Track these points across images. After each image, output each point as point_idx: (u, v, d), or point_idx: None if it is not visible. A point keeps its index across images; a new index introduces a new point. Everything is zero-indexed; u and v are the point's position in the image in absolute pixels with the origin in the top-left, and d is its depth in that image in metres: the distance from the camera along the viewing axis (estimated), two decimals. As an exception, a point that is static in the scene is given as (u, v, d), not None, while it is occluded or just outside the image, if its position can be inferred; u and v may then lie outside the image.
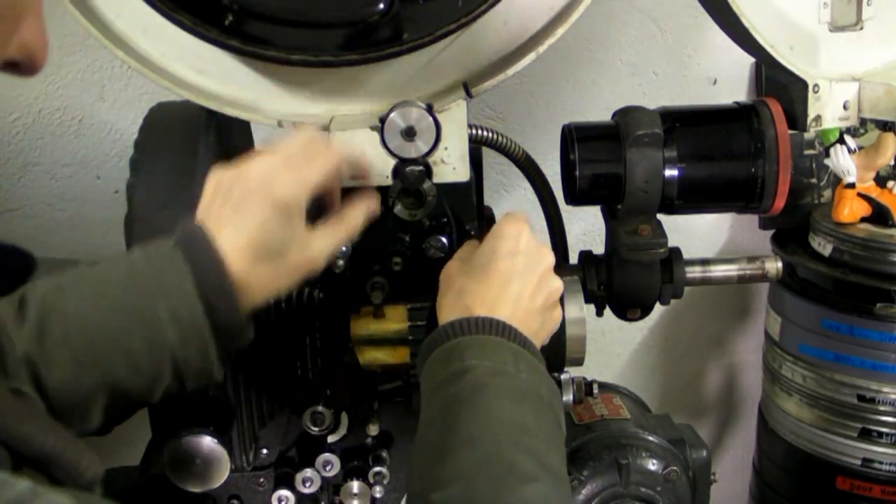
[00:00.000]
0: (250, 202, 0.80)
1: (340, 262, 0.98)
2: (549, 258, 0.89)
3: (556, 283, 0.89)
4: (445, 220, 1.00)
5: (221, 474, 0.96)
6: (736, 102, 1.09)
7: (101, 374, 0.76)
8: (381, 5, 0.86)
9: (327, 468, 1.06)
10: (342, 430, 1.05)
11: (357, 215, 0.89)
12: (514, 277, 0.85)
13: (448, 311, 0.84)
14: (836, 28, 1.11)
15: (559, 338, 0.99)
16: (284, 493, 1.06)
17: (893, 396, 1.47)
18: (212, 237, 0.78)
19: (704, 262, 1.11)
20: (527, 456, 0.71)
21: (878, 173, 1.53)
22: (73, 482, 0.57)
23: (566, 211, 1.16)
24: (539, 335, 0.87)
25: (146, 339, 0.75)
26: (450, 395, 0.75)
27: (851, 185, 1.49)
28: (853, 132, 1.63)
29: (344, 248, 0.97)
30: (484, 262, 0.86)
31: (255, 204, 0.80)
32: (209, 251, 0.77)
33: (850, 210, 1.50)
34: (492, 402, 0.74)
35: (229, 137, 1.07)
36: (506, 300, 0.83)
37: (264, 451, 1.05)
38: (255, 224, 0.79)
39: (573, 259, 1.15)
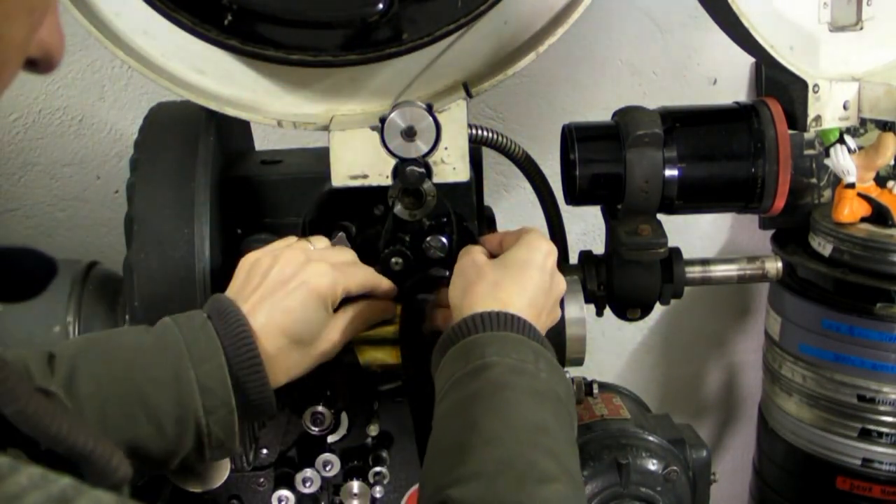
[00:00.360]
0: (291, 287, 0.83)
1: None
2: (564, 287, 0.91)
3: (558, 312, 0.91)
4: (445, 220, 1.00)
5: (221, 474, 0.96)
6: (736, 102, 1.09)
7: (126, 432, 0.76)
8: (381, 5, 0.86)
9: (327, 468, 1.06)
10: (342, 430, 1.05)
11: (375, 307, 0.92)
12: (543, 291, 0.86)
13: (480, 301, 0.83)
14: (836, 28, 1.11)
15: (559, 338, 0.99)
16: (284, 493, 1.06)
17: (893, 396, 1.47)
18: (243, 314, 0.80)
19: (704, 262, 1.10)
20: (547, 456, 0.71)
21: (878, 173, 1.53)
22: (104, 481, 0.57)
23: (566, 211, 1.16)
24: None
25: (173, 404, 0.76)
26: (471, 392, 0.75)
27: (851, 185, 1.49)
28: (853, 132, 1.63)
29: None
30: (520, 264, 0.86)
31: (296, 288, 0.83)
32: (240, 326, 0.79)
33: (850, 210, 1.50)
34: (513, 401, 0.74)
35: (229, 137, 1.07)
36: (533, 309, 0.84)
37: (264, 451, 1.05)
38: (293, 309, 0.83)
39: (573, 259, 1.15)
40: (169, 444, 0.77)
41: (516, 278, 0.85)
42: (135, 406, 0.76)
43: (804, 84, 1.06)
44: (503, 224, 1.18)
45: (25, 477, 0.39)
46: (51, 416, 0.54)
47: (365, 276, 0.91)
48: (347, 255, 0.93)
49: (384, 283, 0.93)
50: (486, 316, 0.80)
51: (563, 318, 0.99)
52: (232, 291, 0.85)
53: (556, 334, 0.99)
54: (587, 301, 1.05)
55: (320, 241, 0.94)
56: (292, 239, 0.92)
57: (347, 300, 0.89)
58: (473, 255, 0.89)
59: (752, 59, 1.67)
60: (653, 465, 1.11)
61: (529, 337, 0.80)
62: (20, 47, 0.46)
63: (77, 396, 0.75)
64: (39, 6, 0.47)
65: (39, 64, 0.51)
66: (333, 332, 0.87)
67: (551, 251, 0.89)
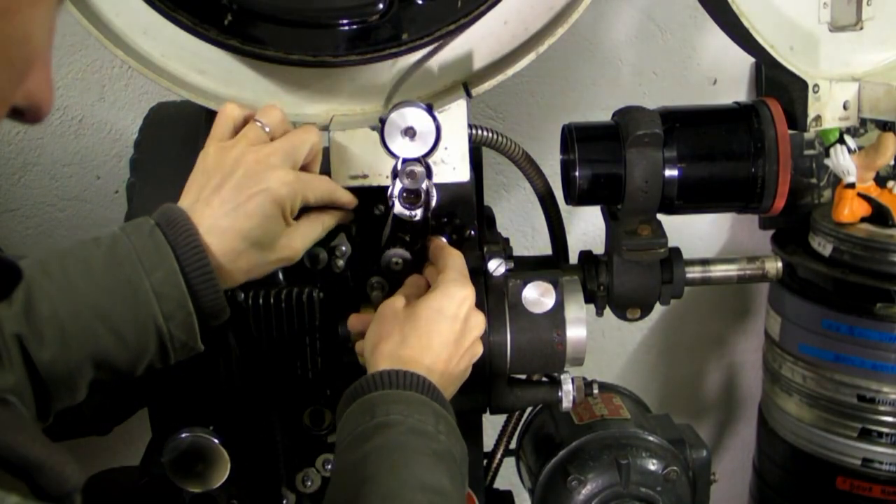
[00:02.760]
0: (252, 190, 0.84)
1: (340, 263, 0.98)
2: (482, 325, 0.92)
3: (479, 349, 0.93)
4: (445, 220, 1.00)
5: (221, 474, 0.96)
6: (736, 102, 1.09)
7: (89, 349, 0.79)
8: (381, 5, 0.86)
9: (327, 468, 1.06)
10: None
11: (332, 214, 0.94)
12: (449, 343, 0.88)
13: (386, 358, 0.86)
14: (836, 28, 1.11)
15: (559, 338, 0.99)
16: (284, 493, 1.06)
17: (893, 396, 1.47)
18: (191, 220, 0.82)
19: (704, 262, 1.10)
20: None
21: (878, 173, 1.53)
22: (57, 489, 0.58)
23: (566, 211, 1.16)
24: (451, 393, 0.90)
25: (132, 314, 0.79)
26: (371, 448, 0.77)
27: (851, 185, 1.49)
28: (853, 132, 1.63)
29: (344, 248, 0.97)
30: (429, 318, 0.88)
31: (257, 194, 0.84)
32: (190, 235, 0.82)
33: (850, 210, 1.50)
34: (412, 462, 0.76)
35: (229, 137, 1.06)
36: (438, 363, 0.86)
37: (264, 451, 1.05)
38: (252, 214, 0.84)
39: (573, 259, 1.15)
40: (132, 353, 0.81)
41: (421, 335, 0.87)
42: (94, 321, 0.79)
43: (804, 84, 1.06)
44: (503, 224, 1.18)
45: None
46: (5, 428, 0.54)
47: (325, 187, 0.92)
48: (310, 136, 0.90)
49: (344, 196, 0.94)
50: (392, 374, 0.83)
51: (563, 318, 0.99)
52: (191, 192, 0.86)
53: (556, 334, 0.99)
54: (587, 301, 1.05)
55: (270, 115, 0.90)
56: (235, 112, 0.90)
57: (307, 208, 0.91)
58: (393, 303, 0.91)
59: (752, 59, 1.67)
60: (653, 465, 1.11)
61: (432, 398, 0.83)
62: (4, 98, 0.47)
63: (36, 319, 0.77)
64: (19, 59, 0.47)
65: (25, 114, 0.52)
66: (293, 239, 0.89)
67: (465, 297, 0.90)
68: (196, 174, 0.88)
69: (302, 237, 0.90)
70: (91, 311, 0.79)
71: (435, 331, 0.87)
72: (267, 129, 0.89)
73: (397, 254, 0.98)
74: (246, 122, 0.90)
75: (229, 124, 0.90)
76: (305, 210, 0.91)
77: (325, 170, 0.96)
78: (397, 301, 0.91)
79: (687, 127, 1.05)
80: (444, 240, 0.99)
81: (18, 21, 0.46)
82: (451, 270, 0.92)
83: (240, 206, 0.84)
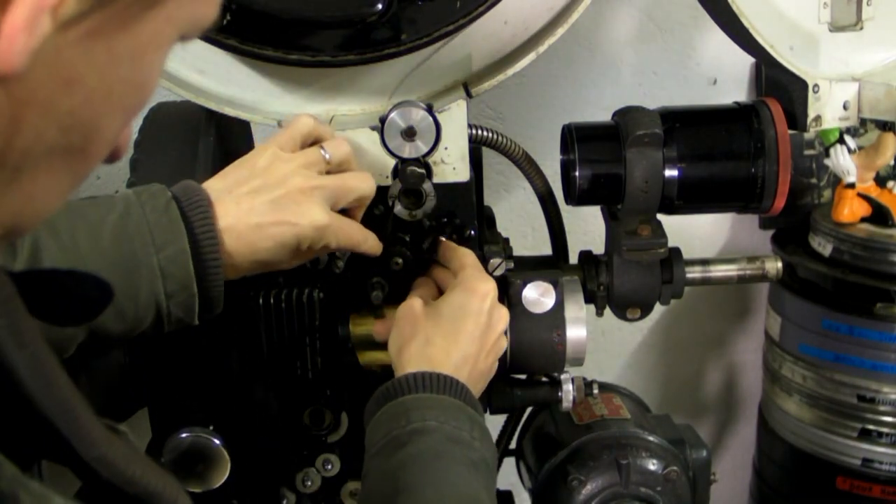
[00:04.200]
0: (281, 215, 0.83)
1: (340, 263, 0.98)
2: (506, 318, 0.92)
3: (504, 343, 0.93)
4: (445, 220, 1.00)
5: (221, 474, 0.96)
6: (736, 102, 1.09)
7: None
8: (380, 6, 0.86)
9: (327, 468, 1.06)
10: (342, 430, 1.05)
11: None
12: (476, 338, 0.88)
13: (414, 360, 0.86)
14: (836, 28, 1.11)
15: (559, 338, 0.99)
16: (284, 492, 1.06)
17: (893, 396, 1.47)
18: (212, 204, 0.81)
19: (704, 262, 1.10)
20: None
21: (878, 173, 1.53)
22: None
23: (566, 211, 1.16)
24: (482, 389, 0.90)
25: (134, 289, 0.78)
26: (407, 456, 0.77)
27: (851, 185, 1.49)
28: (853, 132, 1.63)
29: (344, 248, 0.97)
30: (453, 315, 0.88)
31: (284, 222, 0.83)
32: (206, 217, 0.80)
33: (850, 210, 1.50)
34: (450, 470, 0.76)
35: (229, 137, 1.07)
36: (466, 361, 0.86)
37: (265, 450, 1.05)
38: (273, 239, 0.83)
39: (573, 259, 1.15)
40: (128, 325, 0.79)
41: (447, 333, 0.87)
42: None
43: (804, 84, 1.06)
44: (503, 224, 1.18)
45: None
46: (126, 460, 0.54)
47: (352, 237, 0.89)
48: (364, 183, 0.88)
49: (370, 246, 0.92)
50: (424, 377, 0.82)
51: (563, 318, 0.99)
52: (229, 177, 0.85)
53: (556, 334, 0.99)
54: (587, 301, 1.05)
55: (338, 147, 0.89)
56: (308, 125, 0.89)
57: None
58: (412, 304, 0.90)
59: (752, 59, 1.67)
60: (653, 465, 1.11)
61: (465, 402, 0.82)
62: (110, 142, 0.47)
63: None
64: (136, 104, 0.47)
65: (109, 156, 0.51)
66: (294, 261, 0.88)
67: (488, 292, 0.90)
68: (240, 166, 0.86)
69: (298, 260, 0.89)
70: None
71: (461, 328, 0.87)
72: (327, 157, 0.88)
73: (397, 254, 0.98)
74: (315, 141, 0.89)
75: (297, 136, 0.88)
76: None
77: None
78: (415, 302, 0.90)
79: (687, 127, 1.05)
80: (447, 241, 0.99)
81: (145, 65, 0.45)
82: (469, 267, 0.92)
83: (265, 226, 0.82)
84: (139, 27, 0.43)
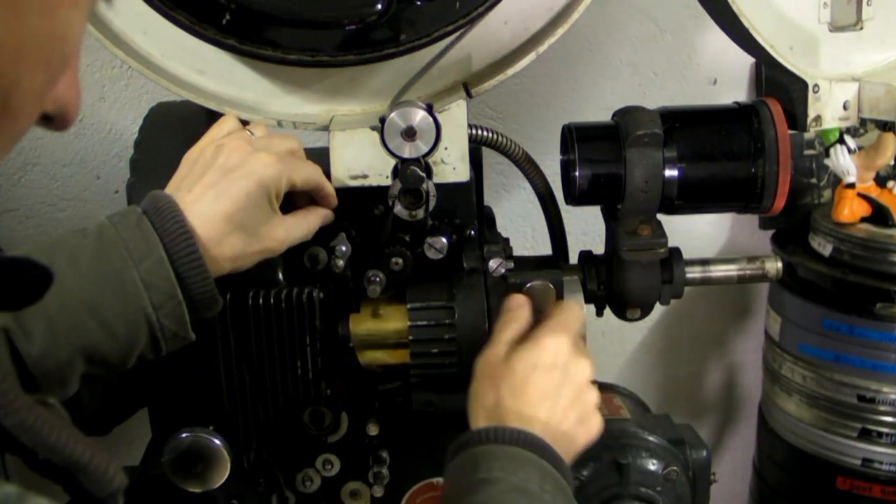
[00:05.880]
0: (236, 174, 0.84)
1: (340, 263, 0.98)
2: (587, 371, 0.90)
3: (592, 397, 0.90)
4: (446, 220, 1.00)
5: (221, 474, 0.96)
6: (736, 102, 1.09)
7: (78, 342, 0.78)
8: (379, 6, 0.86)
9: (327, 468, 1.06)
10: (342, 430, 1.05)
11: (318, 214, 0.93)
12: (548, 395, 0.86)
13: (484, 413, 0.86)
14: (836, 28, 1.11)
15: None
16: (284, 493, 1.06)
17: (893, 396, 1.47)
18: (179, 208, 0.82)
19: (704, 262, 1.10)
20: None
21: (878, 173, 1.53)
22: (101, 490, 0.57)
23: (566, 211, 1.16)
24: (570, 450, 0.87)
25: (121, 306, 0.78)
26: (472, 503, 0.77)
27: (851, 185, 1.49)
28: (853, 132, 1.63)
29: (344, 248, 0.97)
30: (524, 373, 0.87)
31: (241, 177, 0.84)
32: (177, 222, 0.81)
33: (850, 210, 1.50)
34: None
35: (229, 137, 1.06)
36: (539, 418, 0.85)
37: (264, 451, 1.05)
38: (237, 196, 0.84)
39: (573, 259, 1.15)
40: (122, 345, 0.79)
41: (517, 394, 0.86)
42: (82, 314, 0.78)
43: (804, 84, 1.06)
44: (503, 224, 1.18)
45: None
46: (49, 427, 0.54)
47: (310, 171, 0.91)
48: (292, 143, 0.93)
49: (328, 185, 0.94)
50: (493, 430, 0.82)
51: None
52: (174, 183, 0.87)
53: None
54: (587, 301, 1.05)
55: (259, 129, 0.95)
56: (230, 122, 0.93)
57: (293, 202, 0.91)
58: (494, 352, 0.89)
59: (752, 59, 1.67)
60: (653, 465, 1.11)
61: (539, 455, 0.81)
62: (35, 99, 0.46)
63: (23, 314, 0.76)
64: (56, 59, 0.46)
65: (54, 120, 0.51)
66: (277, 229, 0.88)
67: (561, 344, 0.88)
68: (180, 168, 0.89)
69: (286, 229, 0.89)
70: (79, 304, 0.78)
71: (530, 387, 0.86)
72: (254, 136, 0.91)
73: (397, 254, 0.98)
74: None
75: (223, 131, 0.92)
76: (292, 207, 0.91)
77: (326, 170, 0.96)
78: (496, 350, 0.90)
79: (687, 127, 1.05)
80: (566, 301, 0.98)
81: (59, 19, 0.44)
82: (551, 320, 0.92)
83: (223, 190, 0.84)
84: None
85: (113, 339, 0.79)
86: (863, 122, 1.14)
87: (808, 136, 1.72)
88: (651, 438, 1.13)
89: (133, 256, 0.78)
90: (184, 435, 0.95)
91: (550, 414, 0.85)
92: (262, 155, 0.86)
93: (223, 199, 0.83)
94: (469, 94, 0.96)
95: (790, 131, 1.05)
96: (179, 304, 0.80)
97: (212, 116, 1.00)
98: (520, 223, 1.73)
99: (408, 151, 0.92)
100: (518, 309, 0.94)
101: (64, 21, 0.45)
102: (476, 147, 1.06)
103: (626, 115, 1.04)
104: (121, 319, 0.78)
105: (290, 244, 0.90)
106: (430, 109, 0.91)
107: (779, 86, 1.09)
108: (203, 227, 0.82)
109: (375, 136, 0.92)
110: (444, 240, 0.98)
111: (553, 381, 0.87)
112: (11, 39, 0.42)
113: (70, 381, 0.79)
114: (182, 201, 0.83)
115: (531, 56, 0.96)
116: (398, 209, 0.95)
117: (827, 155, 1.54)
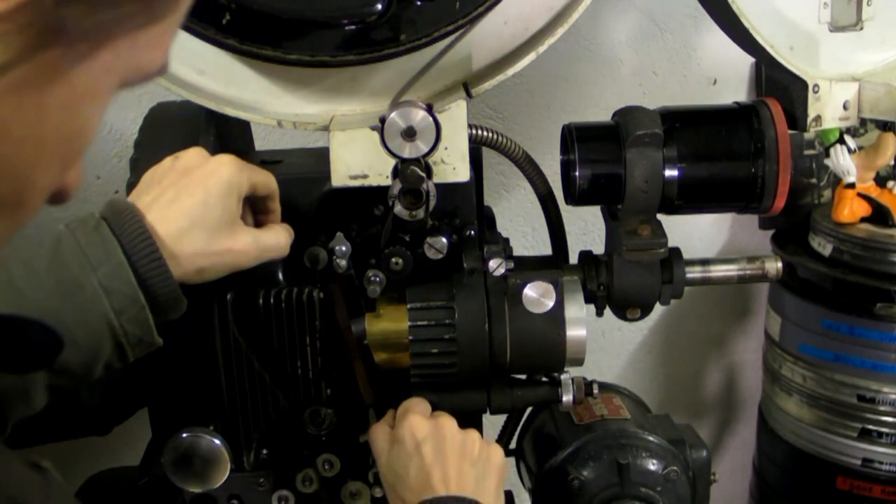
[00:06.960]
0: (195, 173, 0.85)
1: (342, 263, 0.98)
2: (450, 427, 0.93)
3: (471, 439, 0.94)
4: (446, 220, 1.00)
5: (221, 474, 0.96)
6: (736, 102, 1.09)
7: None
8: (379, 6, 0.86)
9: (327, 468, 1.06)
10: (342, 431, 1.05)
11: (288, 230, 0.93)
12: (433, 467, 0.90)
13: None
14: (836, 28, 1.10)
15: (559, 338, 0.99)
16: (284, 493, 1.06)
17: (893, 396, 1.47)
18: (139, 211, 0.81)
19: (704, 262, 1.10)
20: None
21: (878, 173, 1.53)
22: None
23: (566, 211, 1.16)
24: (483, 485, 0.91)
25: (81, 313, 0.76)
26: None
27: (851, 185, 1.49)
28: (853, 132, 1.63)
29: (343, 248, 0.97)
30: (403, 466, 0.92)
31: (200, 175, 0.85)
32: (137, 223, 0.79)
33: (850, 210, 1.50)
34: None
35: (229, 137, 1.06)
36: (438, 486, 0.89)
37: (264, 451, 1.05)
38: (196, 190, 0.84)
39: (573, 259, 1.15)
40: (85, 354, 0.77)
41: (401, 480, 0.92)
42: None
43: (804, 84, 1.06)
44: (503, 224, 1.18)
45: None
46: (44, 498, 0.53)
47: (269, 177, 0.92)
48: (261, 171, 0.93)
49: (278, 198, 0.94)
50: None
51: (563, 318, 0.99)
52: (133, 195, 0.86)
53: (556, 334, 0.99)
54: (587, 301, 1.05)
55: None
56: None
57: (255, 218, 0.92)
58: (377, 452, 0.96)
59: (752, 59, 1.67)
60: (653, 465, 1.11)
61: None
62: (44, 192, 0.47)
63: None
64: (71, 154, 0.46)
65: (53, 198, 0.50)
66: (243, 235, 0.87)
67: (410, 425, 0.93)
68: (139, 183, 0.88)
69: (254, 237, 0.88)
70: (37, 313, 0.74)
71: (412, 472, 0.90)
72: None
73: (397, 254, 0.98)
74: None
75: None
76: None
77: (326, 170, 0.96)
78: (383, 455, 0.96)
79: (687, 127, 1.05)
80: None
81: (80, 114, 0.44)
82: (397, 416, 0.97)
83: (182, 188, 0.84)
84: (72, 78, 0.42)
85: (75, 348, 0.76)
86: (863, 122, 1.14)
87: (808, 136, 1.72)
88: (651, 438, 1.13)
89: (91, 262, 0.76)
90: (184, 435, 0.95)
91: (445, 478, 0.89)
92: (221, 156, 0.87)
93: (182, 194, 0.83)
94: (469, 94, 0.96)
95: (790, 131, 1.05)
96: (142, 308, 0.78)
97: (212, 116, 1.00)
98: (520, 223, 1.73)
99: (408, 151, 0.92)
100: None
101: (85, 116, 0.45)
102: (476, 147, 1.06)
103: (626, 115, 1.04)
104: (81, 327, 0.76)
105: (259, 256, 0.89)
106: (430, 109, 0.91)
107: (779, 86, 1.09)
108: (161, 223, 0.81)
109: (375, 136, 0.92)
110: (444, 240, 0.98)
111: (428, 454, 0.91)
112: (34, 137, 0.42)
113: (35, 394, 0.77)
114: (140, 203, 0.82)
115: (531, 56, 0.96)
116: (398, 209, 0.95)
117: (827, 155, 1.54)
